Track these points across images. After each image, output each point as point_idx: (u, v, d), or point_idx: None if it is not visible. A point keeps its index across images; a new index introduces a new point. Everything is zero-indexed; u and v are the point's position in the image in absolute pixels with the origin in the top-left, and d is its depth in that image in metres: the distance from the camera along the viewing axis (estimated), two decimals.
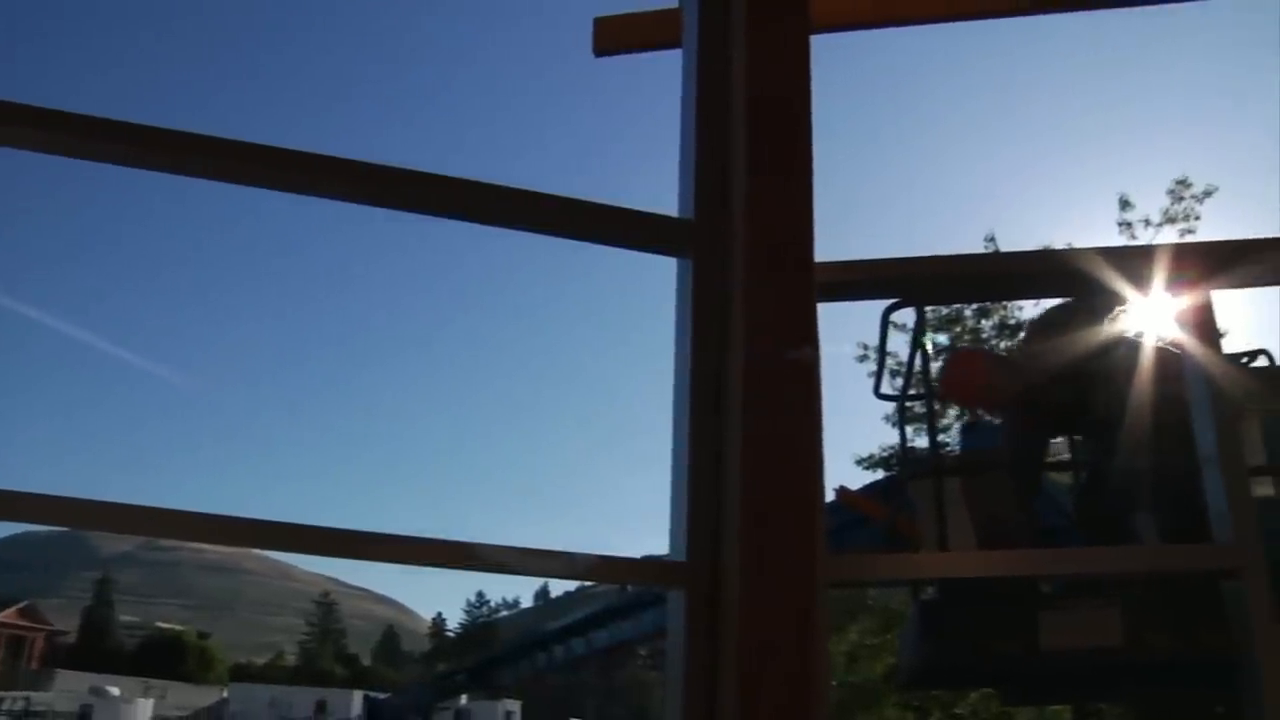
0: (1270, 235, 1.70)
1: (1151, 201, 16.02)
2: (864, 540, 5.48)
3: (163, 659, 70.20)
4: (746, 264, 1.33)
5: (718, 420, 1.32)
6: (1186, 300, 1.61)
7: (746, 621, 1.20)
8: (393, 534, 1.26)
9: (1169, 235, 15.07)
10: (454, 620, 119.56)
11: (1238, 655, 1.38)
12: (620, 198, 1.49)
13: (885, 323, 4.79)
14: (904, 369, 7.52)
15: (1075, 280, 2.96)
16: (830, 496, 6.07)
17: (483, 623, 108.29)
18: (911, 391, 6.70)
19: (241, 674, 72.70)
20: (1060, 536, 5.18)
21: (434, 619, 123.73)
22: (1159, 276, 1.96)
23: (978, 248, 15.55)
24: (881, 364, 5.91)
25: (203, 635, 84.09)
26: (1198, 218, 15.13)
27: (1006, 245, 17.43)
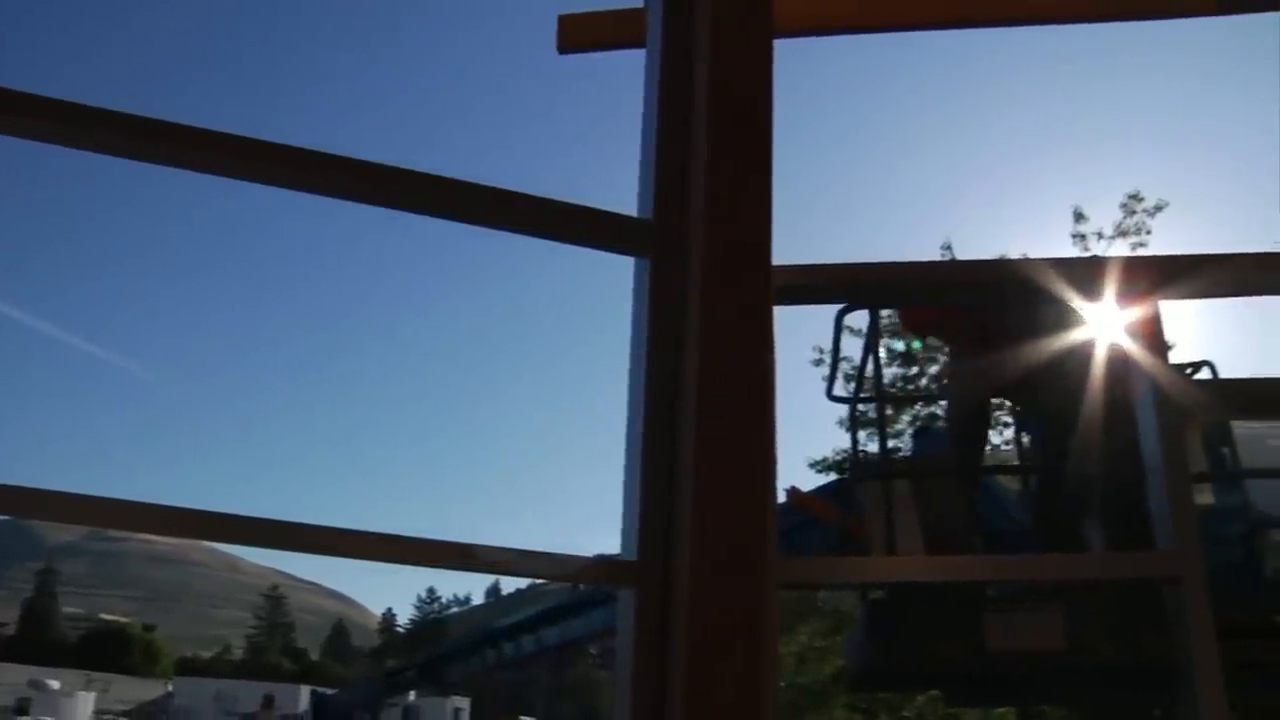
0: (1217, 251, 1.73)
1: (1105, 215, 16.30)
2: (815, 541, 5.51)
3: (106, 651, 69.06)
4: (704, 265, 1.33)
5: (672, 420, 1.33)
6: (1136, 311, 1.64)
7: (696, 621, 1.20)
8: (373, 531, 1.25)
9: (1121, 248, 15.32)
10: (404, 616, 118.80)
11: (1177, 662, 1.41)
12: (582, 196, 1.49)
13: (839, 325, 4.84)
14: (857, 372, 7.57)
15: (1029, 289, 3.00)
16: (782, 498, 6.10)
17: (433, 619, 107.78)
18: (864, 394, 6.76)
19: (187, 667, 71.74)
20: (1008, 541, 5.25)
21: (384, 614, 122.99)
22: (1110, 287, 2.00)
23: (935, 255, 15.71)
24: (834, 366, 5.93)
25: (148, 628, 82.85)
26: (1149, 232, 15.40)
27: (963, 253, 17.64)
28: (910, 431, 14.08)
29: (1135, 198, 15.57)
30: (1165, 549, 1.46)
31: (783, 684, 14.67)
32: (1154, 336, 1.67)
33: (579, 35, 2.97)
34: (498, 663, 20.75)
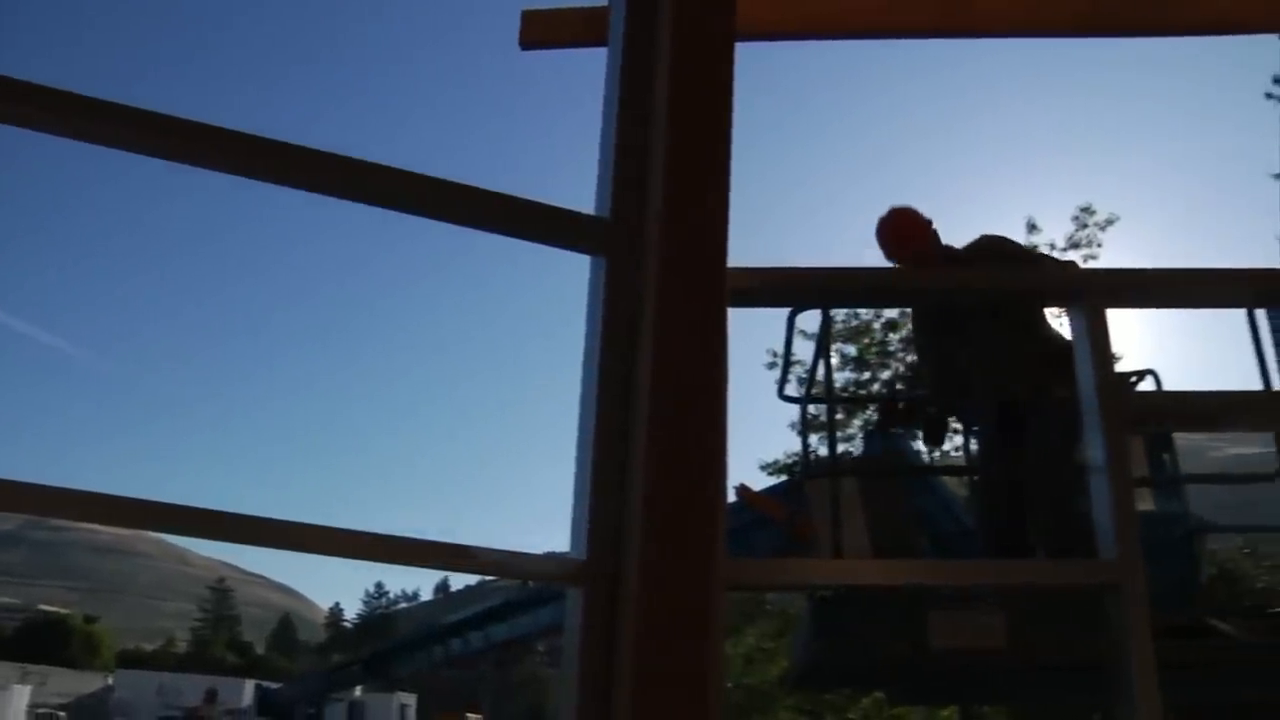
0: (1162, 266, 1.77)
1: (1057, 227, 16.50)
2: (765, 540, 5.55)
3: (44, 643, 67.49)
4: (660, 266, 1.34)
5: (624, 419, 1.33)
6: (1081, 319, 1.66)
7: (644, 621, 1.21)
8: (357, 530, 1.24)
9: (1072, 259, 15.54)
10: (352, 611, 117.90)
11: (1114, 665, 1.44)
12: (543, 194, 1.48)
13: (791, 326, 4.87)
14: (809, 374, 7.62)
15: (981, 296, 3.05)
16: (732, 496, 6.13)
17: (381, 614, 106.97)
18: (814, 395, 6.81)
19: (130, 660, 70.47)
20: (954, 543, 5.32)
21: (331, 609, 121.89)
22: (1059, 296, 2.03)
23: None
24: (786, 366, 5.95)
25: (90, 619, 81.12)
26: (1100, 245, 15.63)
27: None
28: (861, 435, 14.19)
29: (1087, 210, 15.82)
30: (1106, 558, 1.49)
31: (729, 685, 14.73)
32: (1100, 344, 1.69)
33: (542, 32, 2.97)
34: (445, 659, 20.65)
